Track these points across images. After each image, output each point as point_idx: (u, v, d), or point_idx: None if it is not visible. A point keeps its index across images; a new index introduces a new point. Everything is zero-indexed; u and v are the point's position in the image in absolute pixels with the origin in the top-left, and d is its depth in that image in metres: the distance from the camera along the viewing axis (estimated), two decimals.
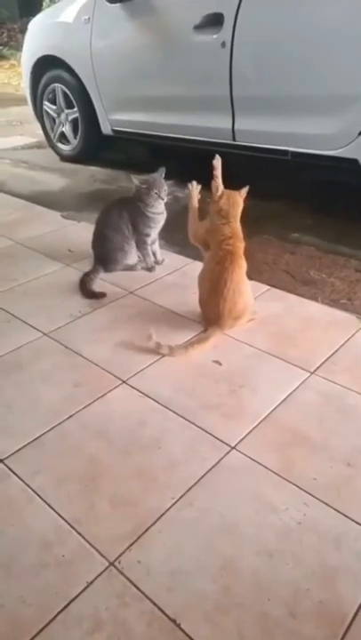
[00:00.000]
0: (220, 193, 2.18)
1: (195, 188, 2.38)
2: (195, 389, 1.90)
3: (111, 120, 4.57)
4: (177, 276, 2.78)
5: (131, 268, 2.82)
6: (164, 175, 2.74)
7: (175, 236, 3.24)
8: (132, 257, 2.80)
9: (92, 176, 4.77)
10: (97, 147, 4.96)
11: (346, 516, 1.38)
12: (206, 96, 3.73)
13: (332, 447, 1.60)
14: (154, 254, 2.85)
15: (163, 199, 2.67)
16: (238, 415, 1.76)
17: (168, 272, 2.82)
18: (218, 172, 2.27)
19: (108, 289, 2.65)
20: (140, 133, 4.37)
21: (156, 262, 2.87)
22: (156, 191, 2.65)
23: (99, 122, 4.66)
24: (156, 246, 2.86)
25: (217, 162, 2.27)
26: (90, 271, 2.71)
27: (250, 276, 2.26)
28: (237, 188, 2.24)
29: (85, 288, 2.57)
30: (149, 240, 2.81)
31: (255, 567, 1.27)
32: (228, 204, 2.17)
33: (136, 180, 2.69)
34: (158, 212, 2.74)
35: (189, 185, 2.38)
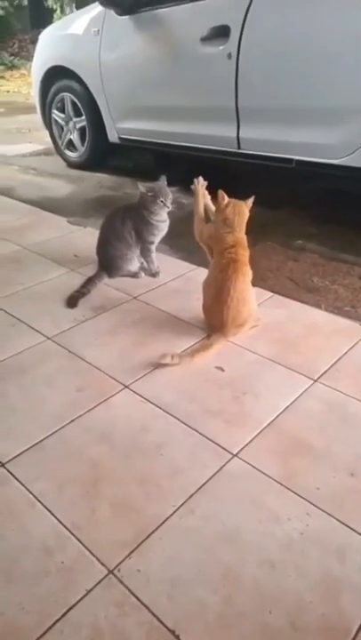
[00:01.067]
0: (225, 202, 2.17)
1: (201, 185, 2.37)
2: (197, 395, 1.88)
3: (118, 128, 4.59)
4: (181, 282, 2.76)
5: (133, 274, 2.82)
6: (166, 183, 2.74)
7: (179, 241, 3.22)
8: (134, 264, 2.80)
9: (98, 182, 4.77)
10: (104, 154, 4.98)
11: (349, 527, 1.36)
12: (212, 106, 3.73)
13: (335, 456, 1.58)
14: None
15: (168, 207, 2.67)
16: (241, 422, 1.74)
17: (172, 278, 2.81)
18: (199, 194, 2.30)
19: (113, 294, 2.65)
20: (146, 141, 4.38)
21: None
22: (162, 199, 2.64)
23: (106, 130, 4.69)
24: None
25: (198, 185, 2.31)
26: (91, 277, 2.71)
27: (254, 283, 2.24)
28: (242, 197, 2.22)
29: (71, 295, 2.54)
30: (153, 247, 2.80)
31: (257, 577, 1.25)
32: (233, 214, 2.16)
33: (143, 187, 2.68)
34: (162, 220, 2.73)
35: (195, 182, 2.36)
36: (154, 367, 2.02)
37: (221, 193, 2.17)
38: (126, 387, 1.90)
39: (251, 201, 2.21)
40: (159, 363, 2.02)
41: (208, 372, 2.01)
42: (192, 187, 2.38)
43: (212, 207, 2.32)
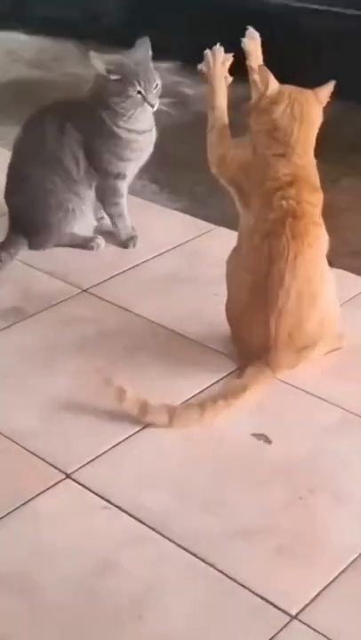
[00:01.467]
0: (273, 91, 2.16)
1: (220, 61, 2.31)
2: (217, 494, 1.91)
3: None
4: (179, 260, 2.79)
5: (83, 243, 2.84)
6: (150, 52, 2.73)
7: (178, 175, 3.24)
8: (85, 221, 2.83)
9: (9, 52, 4.80)
10: None
11: None
12: None
13: None
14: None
15: (152, 104, 2.67)
16: (303, 553, 1.77)
17: (162, 250, 2.84)
18: (254, 58, 2.23)
19: (42, 283, 2.66)
20: None
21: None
22: (137, 86, 2.64)
23: None
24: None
25: (250, 42, 2.26)
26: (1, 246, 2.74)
27: (332, 262, 2.25)
28: (309, 82, 2.21)
29: None
30: (124, 186, 2.82)
31: None
32: (290, 116, 2.15)
33: (99, 60, 2.68)
34: (140, 130, 2.74)
35: (208, 54, 2.31)
36: (125, 436, 2.05)
37: (264, 72, 2.16)
38: (68, 476, 1.96)
39: (328, 89, 2.20)
40: (142, 421, 2.04)
41: (239, 443, 2.04)
42: (200, 66, 2.35)
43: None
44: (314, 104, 2.19)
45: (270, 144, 2.17)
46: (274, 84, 2.16)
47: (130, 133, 2.72)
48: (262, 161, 2.18)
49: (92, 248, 2.83)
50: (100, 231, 2.89)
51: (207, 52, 2.31)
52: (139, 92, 2.64)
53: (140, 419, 2.05)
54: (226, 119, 2.31)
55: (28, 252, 2.79)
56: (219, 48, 2.31)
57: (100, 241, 2.84)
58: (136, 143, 2.74)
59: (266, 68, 2.16)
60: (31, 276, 2.70)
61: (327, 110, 2.23)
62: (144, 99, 2.65)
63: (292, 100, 2.16)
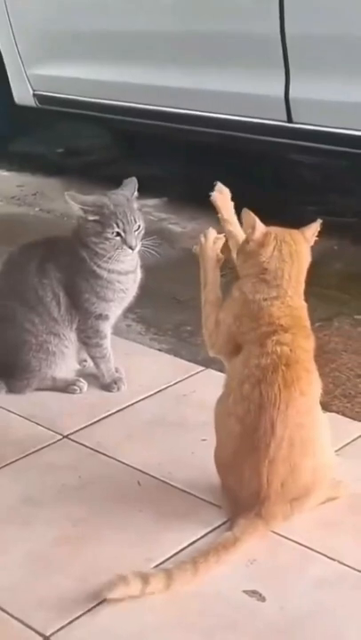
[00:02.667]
0: (260, 233, 2.19)
1: (211, 240, 2.35)
2: None
3: (32, 78, 4.80)
4: (165, 403, 2.80)
5: (65, 386, 2.84)
6: (135, 192, 2.78)
7: (164, 315, 3.26)
8: (66, 364, 2.84)
9: None
10: (3, 130, 5.18)
11: None
12: (231, 32, 3.91)
13: None
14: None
15: (131, 246, 2.68)
16: None
17: (147, 393, 2.84)
18: (226, 210, 2.31)
19: (19, 428, 2.66)
20: (90, 104, 4.57)
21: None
22: (115, 229, 2.66)
23: (8, 84, 4.90)
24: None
25: (220, 196, 2.34)
26: None
27: (326, 405, 2.29)
28: (293, 219, 2.24)
29: None
30: (106, 327, 2.83)
31: None
32: (279, 258, 2.18)
33: (73, 201, 2.71)
34: (123, 271, 2.76)
35: (201, 235, 2.35)
36: (99, 601, 2.01)
37: (249, 216, 2.20)
38: (47, 638, 1.92)
39: (315, 228, 2.25)
40: (109, 595, 1.99)
41: (230, 601, 2.01)
42: (194, 248, 2.39)
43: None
44: (302, 243, 2.21)
45: (261, 288, 2.18)
46: (260, 227, 2.18)
47: (110, 274, 2.74)
48: (254, 306, 2.19)
49: (73, 391, 2.82)
50: (82, 373, 2.89)
51: (201, 235, 2.38)
52: (118, 234, 2.66)
53: (142, 594, 1.99)
54: (219, 292, 2.35)
55: (6, 396, 2.81)
56: (211, 230, 2.38)
57: (82, 384, 2.84)
58: (118, 284, 2.76)
59: (250, 212, 2.19)
60: (9, 421, 2.70)
61: (316, 247, 2.27)
62: (123, 241, 2.66)
63: (279, 241, 2.18)
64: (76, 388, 2.83)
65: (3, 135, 5.25)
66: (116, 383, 2.84)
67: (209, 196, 2.42)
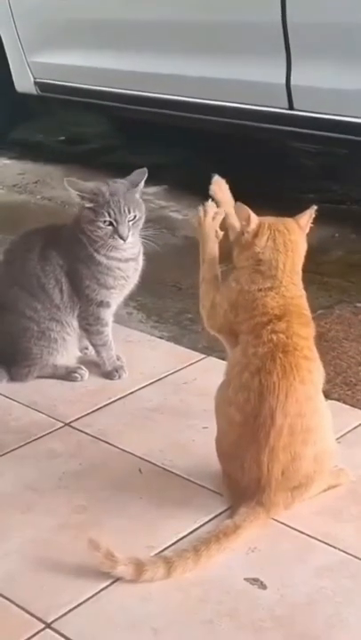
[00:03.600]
0: (254, 225, 2.19)
1: (210, 215, 2.34)
2: None
3: (34, 66, 4.80)
4: (166, 391, 2.80)
5: (66, 374, 2.85)
6: (142, 183, 2.77)
7: (165, 302, 3.26)
8: (68, 351, 2.84)
9: None
10: (4, 118, 5.19)
11: None
12: (232, 21, 3.94)
13: None
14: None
15: (122, 236, 2.66)
16: None
17: (148, 381, 2.85)
18: (225, 203, 2.31)
19: (20, 417, 2.66)
20: (91, 91, 4.58)
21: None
22: (106, 218, 2.66)
23: (10, 71, 4.91)
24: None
25: (218, 190, 2.33)
26: None
27: (327, 393, 2.28)
28: (288, 208, 2.24)
29: None
30: (108, 314, 2.83)
31: None
32: (273, 248, 2.18)
33: (73, 187, 2.71)
34: (123, 258, 2.76)
35: (200, 209, 2.34)
36: (108, 582, 2.02)
37: (242, 208, 2.20)
38: (48, 625, 1.93)
39: (309, 215, 2.24)
40: (112, 574, 2.00)
41: (232, 589, 2.00)
42: (192, 221, 2.38)
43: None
44: (296, 232, 2.21)
45: (256, 278, 2.19)
46: (254, 219, 2.18)
47: (110, 260, 2.73)
48: (249, 297, 2.19)
49: (74, 379, 2.82)
50: (83, 361, 2.89)
51: (200, 207, 2.36)
52: (110, 224, 2.65)
53: (137, 579, 1.99)
54: (216, 270, 2.35)
55: (8, 384, 2.81)
56: (210, 204, 2.37)
57: (84, 372, 2.84)
58: (118, 271, 2.75)
59: (243, 205, 2.20)
60: (10, 409, 2.69)
61: (316, 235, 2.26)
62: (115, 230, 2.65)
63: (273, 231, 2.19)
64: (77, 375, 2.83)
65: (4, 123, 5.24)
66: (117, 371, 2.84)
67: (208, 187, 2.41)
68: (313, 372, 2.16)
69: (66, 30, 4.61)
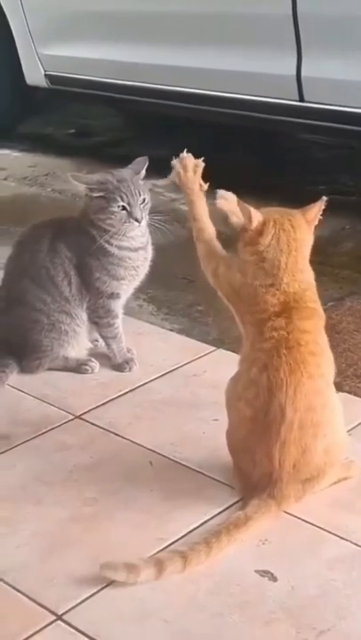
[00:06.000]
0: (256, 223, 2.16)
1: (190, 167, 2.27)
2: (218, 636, 1.87)
3: (44, 58, 4.81)
4: (177, 383, 2.80)
5: (76, 366, 2.85)
6: (143, 170, 2.77)
7: (176, 295, 3.27)
8: (79, 343, 2.84)
9: (1, 169, 4.90)
10: (15, 111, 5.22)
11: None
12: (242, 13, 3.94)
13: None
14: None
15: (137, 219, 2.68)
16: None
17: (159, 373, 2.85)
18: (233, 214, 2.27)
19: (31, 408, 2.66)
20: (102, 84, 4.59)
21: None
22: (119, 202, 2.66)
23: (20, 64, 4.92)
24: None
25: (224, 203, 2.30)
26: None
27: (338, 385, 2.27)
28: (304, 200, 2.23)
29: None
30: (118, 306, 2.83)
31: None
32: (276, 248, 2.16)
33: (78, 181, 2.72)
34: (133, 247, 2.76)
35: (176, 164, 2.30)
36: (111, 580, 2.02)
37: (244, 206, 2.17)
38: (59, 617, 1.94)
39: (318, 208, 2.22)
40: (139, 581, 1.99)
41: (242, 581, 2.01)
42: (170, 177, 2.33)
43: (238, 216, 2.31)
44: (302, 229, 2.18)
45: (259, 274, 2.17)
46: (256, 216, 2.15)
47: (121, 250, 2.73)
48: (251, 290, 2.18)
49: (85, 371, 2.82)
50: (94, 353, 2.89)
51: (175, 161, 2.34)
52: (123, 208, 2.65)
53: (160, 578, 1.99)
54: (210, 229, 2.33)
55: (19, 376, 2.80)
56: (187, 155, 2.35)
57: (94, 364, 2.84)
58: (129, 260, 2.75)
59: (245, 204, 2.18)
60: (21, 401, 2.70)
61: (327, 227, 2.24)
62: (129, 214, 2.66)
63: (277, 229, 2.16)
64: (87, 367, 2.83)
65: (14, 116, 5.26)
66: (127, 363, 2.84)
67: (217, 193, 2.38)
68: (321, 367, 2.16)
69: (76, 23, 4.62)
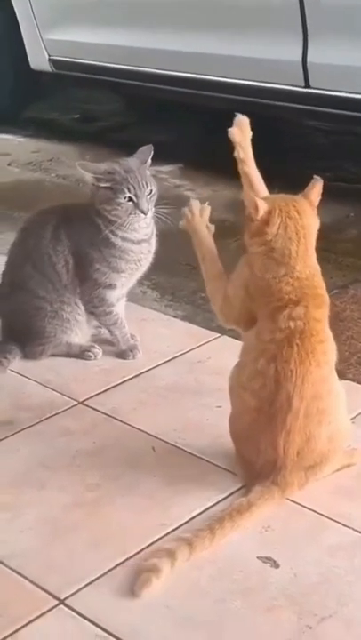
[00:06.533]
0: (262, 213, 2.13)
1: (197, 212, 2.27)
2: (220, 622, 1.87)
3: (49, 43, 4.81)
4: (180, 370, 2.80)
5: (79, 352, 2.85)
6: (149, 159, 2.76)
7: (179, 281, 3.27)
8: (81, 330, 2.84)
9: (6, 154, 4.90)
10: (19, 96, 5.22)
11: None
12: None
13: None
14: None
15: (143, 210, 2.66)
16: None
17: (162, 360, 2.85)
18: (242, 148, 2.25)
19: (35, 394, 2.67)
20: (106, 69, 4.58)
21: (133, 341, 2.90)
22: (126, 194, 2.65)
23: (24, 48, 4.92)
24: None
25: (237, 131, 2.26)
26: None
27: (341, 373, 2.28)
28: (292, 182, 2.23)
29: None
30: (113, 295, 2.81)
31: None
32: (285, 237, 2.14)
33: (85, 169, 2.70)
34: (136, 240, 2.74)
35: (185, 210, 2.31)
36: (122, 559, 2.03)
37: (249, 196, 2.16)
38: (61, 602, 1.94)
39: (318, 189, 2.20)
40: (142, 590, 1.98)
41: (244, 567, 2.01)
42: (181, 224, 2.33)
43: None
44: (308, 214, 2.17)
45: (270, 266, 2.15)
46: (262, 206, 2.12)
47: (124, 242, 2.72)
48: (263, 284, 2.17)
49: (88, 358, 2.83)
50: (98, 340, 2.90)
51: (184, 209, 2.35)
52: (130, 199, 2.64)
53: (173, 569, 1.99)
54: (219, 265, 2.33)
55: (22, 362, 2.81)
56: (194, 203, 2.36)
57: (97, 350, 2.84)
58: (132, 253, 2.74)
59: (249, 192, 2.18)
60: (25, 387, 2.70)
61: (331, 214, 2.23)
62: (135, 205, 2.65)
63: (283, 217, 2.14)
64: (90, 354, 2.83)
65: (18, 101, 5.25)
66: (131, 351, 2.83)
67: (228, 135, 2.33)
68: (327, 354, 2.16)
69: (81, 7, 4.62)
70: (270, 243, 2.13)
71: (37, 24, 4.78)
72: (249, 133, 2.33)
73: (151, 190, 2.67)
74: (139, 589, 1.93)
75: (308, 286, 2.16)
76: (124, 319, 2.86)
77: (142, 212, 2.65)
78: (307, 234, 2.15)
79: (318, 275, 2.20)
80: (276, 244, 2.13)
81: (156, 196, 2.71)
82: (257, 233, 2.15)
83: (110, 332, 2.85)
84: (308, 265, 2.16)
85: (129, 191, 2.63)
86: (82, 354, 2.83)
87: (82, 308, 2.80)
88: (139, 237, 2.74)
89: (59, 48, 4.76)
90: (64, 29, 4.70)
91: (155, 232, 2.79)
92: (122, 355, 2.84)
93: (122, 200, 2.64)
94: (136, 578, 1.95)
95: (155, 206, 2.72)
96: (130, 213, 2.66)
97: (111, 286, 2.77)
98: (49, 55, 4.80)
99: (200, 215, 2.35)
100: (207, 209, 2.36)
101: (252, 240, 2.17)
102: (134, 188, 2.64)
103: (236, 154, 2.31)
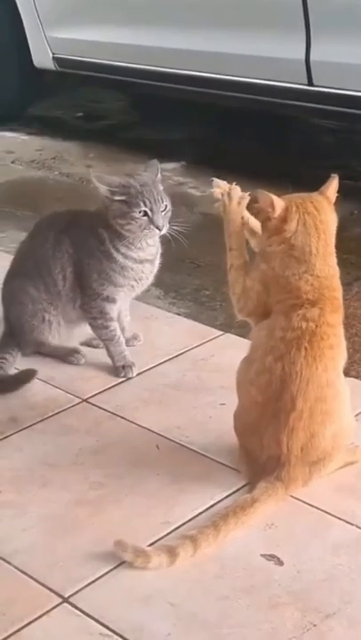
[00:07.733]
0: (279, 210, 2.13)
1: (235, 200, 2.25)
2: (223, 620, 1.87)
3: (52, 41, 4.81)
4: (184, 367, 2.80)
5: (63, 355, 2.85)
6: (159, 174, 2.73)
7: (183, 279, 3.26)
8: (65, 335, 2.83)
9: (9, 152, 4.90)
10: (23, 94, 5.21)
11: None
12: None
13: None
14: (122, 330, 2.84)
15: (158, 226, 2.62)
16: None
17: (166, 358, 2.85)
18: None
19: (40, 392, 2.67)
20: (110, 67, 4.57)
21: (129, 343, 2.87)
22: (142, 208, 2.60)
23: (28, 46, 4.92)
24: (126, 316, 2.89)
25: (218, 187, 2.27)
26: None
27: (345, 370, 2.25)
28: (313, 185, 2.22)
29: None
30: (113, 309, 2.77)
31: None
32: (304, 234, 2.14)
33: (102, 182, 2.65)
34: (139, 259, 2.70)
35: (224, 196, 2.27)
36: (117, 563, 2.02)
37: (265, 195, 2.14)
38: (65, 600, 1.94)
39: (334, 185, 2.21)
40: (149, 567, 2.00)
41: (248, 565, 2.01)
42: (216, 206, 2.29)
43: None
44: (326, 210, 2.17)
45: (291, 264, 2.14)
46: (279, 204, 2.12)
47: (126, 259, 2.68)
48: (283, 281, 2.16)
49: (71, 362, 2.81)
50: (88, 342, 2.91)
51: (223, 194, 2.30)
52: (145, 214, 2.60)
53: (172, 565, 1.99)
54: (245, 256, 2.31)
55: (25, 360, 2.81)
56: (235, 188, 2.31)
57: (81, 356, 2.83)
58: (131, 272, 2.70)
59: (264, 191, 2.14)
60: (28, 385, 2.70)
61: (336, 211, 2.23)
62: (150, 221, 2.60)
63: (302, 214, 2.13)
64: (73, 359, 2.82)
65: (22, 99, 5.26)
66: (124, 369, 2.77)
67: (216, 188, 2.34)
68: (336, 359, 2.16)
69: (85, 5, 4.63)
70: (290, 240, 2.13)
71: (41, 22, 4.79)
72: (225, 184, 2.33)
73: (166, 206, 2.64)
74: (115, 546, 1.99)
75: (328, 287, 2.15)
76: (121, 336, 2.82)
77: (157, 227, 2.61)
78: (326, 229, 2.15)
79: (337, 277, 2.19)
80: (296, 241, 2.13)
81: (170, 213, 2.66)
82: (275, 231, 2.14)
83: (106, 347, 2.80)
84: (328, 263, 2.16)
85: (144, 205, 2.59)
86: (66, 357, 2.83)
87: (71, 317, 2.80)
88: (142, 257, 2.69)
89: (62, 46, 4.76)
90: (68, 27, 4.71)
91: (160, 251, 2.75)
92: (115, 371, 2.78)
93: (137, 214, 2.58)
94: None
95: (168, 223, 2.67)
96: (144, 229, 2.61)
97: (109, 299, 2.74)
98: (53, 53, 4.80)
99: (238, 204, 2.31)
100: (246, 199, 2.31)
101: (271, 240, 2.17)
102: (150, 202, 2.59)
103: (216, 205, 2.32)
